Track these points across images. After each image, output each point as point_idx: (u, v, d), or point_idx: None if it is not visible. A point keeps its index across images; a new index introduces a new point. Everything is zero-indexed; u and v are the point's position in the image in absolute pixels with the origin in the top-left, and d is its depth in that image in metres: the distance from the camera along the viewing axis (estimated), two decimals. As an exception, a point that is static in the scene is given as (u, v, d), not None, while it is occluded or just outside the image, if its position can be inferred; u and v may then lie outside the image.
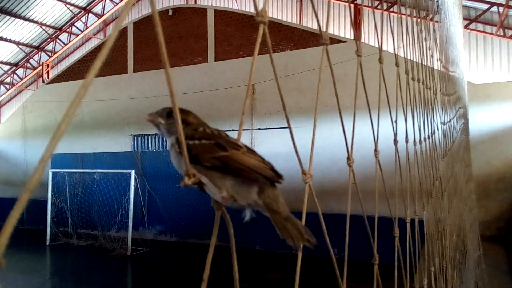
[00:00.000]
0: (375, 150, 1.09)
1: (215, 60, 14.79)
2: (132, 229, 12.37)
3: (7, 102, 25.39)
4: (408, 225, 1.36)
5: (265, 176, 0.72)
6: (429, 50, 2.18)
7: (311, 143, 0.88)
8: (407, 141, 1.44)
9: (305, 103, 12.54)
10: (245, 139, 13.67)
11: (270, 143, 13.03)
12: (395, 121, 1.30)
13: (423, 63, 1.91)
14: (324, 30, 0.80)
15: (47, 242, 13.56)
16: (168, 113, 0.82)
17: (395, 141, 1.25)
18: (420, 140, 1.61)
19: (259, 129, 13.48)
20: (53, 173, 14.20)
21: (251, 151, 0.75)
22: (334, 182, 11.56)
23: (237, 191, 0.70)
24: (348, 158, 0.95)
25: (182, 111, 0.79)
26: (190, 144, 0.73)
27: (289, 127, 0.84)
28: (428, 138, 1.78)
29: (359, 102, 1.27)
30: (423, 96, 1.78)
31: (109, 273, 10.79)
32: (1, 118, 24.70)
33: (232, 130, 14.06)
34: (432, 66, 2.33)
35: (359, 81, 1.04)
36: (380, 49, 1.19)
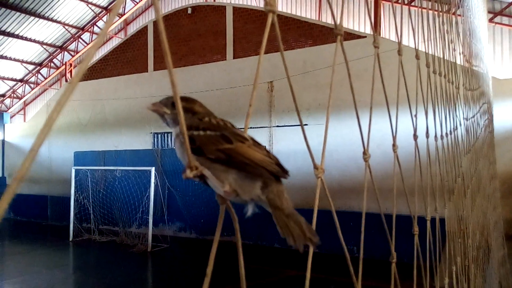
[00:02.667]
0: (394, 145, 1.06)
1: (234, 58, 14.81)
2: (152, 225, 12.54)
3: (32, 101, 26.05)
4: (428, 222, 1.32)
5: (270, 171, 0.70)
6: (451, 43, 2.12)
7: (324, 139, 0.86)
8: (427, 136, 1.39)
9: (323, 99, 12.44)
10: (263, 137, 13.65)
11: (289, 141, 12.98)
12: (415, 115, 1.26)
13: (445, 57, 1.85)
14: (339, 21, 0.78)
15: (70, 238, 13.87)
16: (173, 103, 0.80)
17: (415, 136, 1.21)
18: (441, 135, 1.56)
19: (277, 126, 13.44)
20: (76, 170, 14.51)
21: (257, 144, 0.74)
22: (353, 180, 11.44)
23: (240, 185, 0.69)
24: (364, 153, 0.92)
25: (187, 100, 0.78)
26: (194, 134, 0.71)
27: (300, 123, 0.82)
28: (450, 133, 1.73)
29: (380, 98, 1.25)
30: (445, 90, 1.72)
31: (130, 268, 10.97)
32: (26, 116, 25.37)
33: (251, 127, 14.06)
34: (454, 60, 2.27)
35: (377, 73, 1.02)
36: (399, 41, 1.15)
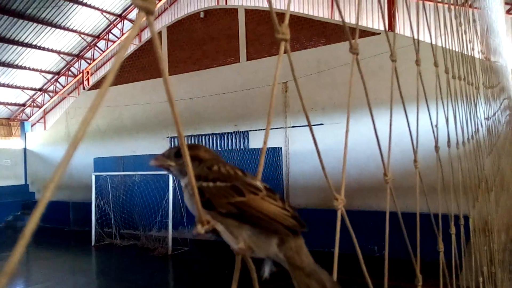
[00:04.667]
0: (415, 161, 1.03)
1: (247, 60, 14.84)
2: (172, 228, 12.66)
3: (51, 109, 26.59)
4: (453, 236, 1.29)
5: (286, 225, 0.65)
6: (470, 43, 2.07)
7: (343, 166, 0.83)
8: (449, 146, 1.35)
9: (339, 98, 12.35)
10: (279, 138, 13.62)
11: (305, 141, 12.93)
12: (436, 126, 1.23)
13: (464, 58, 1.81)
14: (354, 39, 0.77)
15: (92, 243, 14.10)
16: (176, 153, 0.75)
17: (436, 148, 1.18)
18: (463, 141, 1.52)
19: (293, 127, 13.40)
20: (96, 176, 14.75)
21: (271, 193, 0.68)
22: (372, 178, 11.32)
23: (255, 242, 0.64)
24: (385, 174, 0.89)
25: (191, 147, 0.72)
26: (203, 186, 0.66)
27: (309, 124, 0.81)
28: (472, 138, 1.69)
29: (397, 94, 1.23)
30: (465, 93, 1.68)
31: (152, 272, 11.09)
32: (46, 124, 25.91)
33: (263, 129, 14.04)
34: (473, 59, 2.22)
35: (394, 81, 1.00)
36: (417, 50, 1.14)
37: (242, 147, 14.40)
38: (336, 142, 11.77)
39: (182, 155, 0.56)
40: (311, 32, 13.60)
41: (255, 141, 14.20)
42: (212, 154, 0.75)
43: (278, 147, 13.59)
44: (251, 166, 13.57)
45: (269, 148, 13.65)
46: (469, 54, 2.04)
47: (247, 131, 14.33)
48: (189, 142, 16.29)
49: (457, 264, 1.39)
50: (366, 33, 12.24)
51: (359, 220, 10.86)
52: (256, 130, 14.11)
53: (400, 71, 1.15)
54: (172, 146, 15.09)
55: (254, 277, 0.64)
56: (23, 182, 22.24)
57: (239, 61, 15.02)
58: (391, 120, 0.98)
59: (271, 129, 14.21)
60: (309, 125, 0.78)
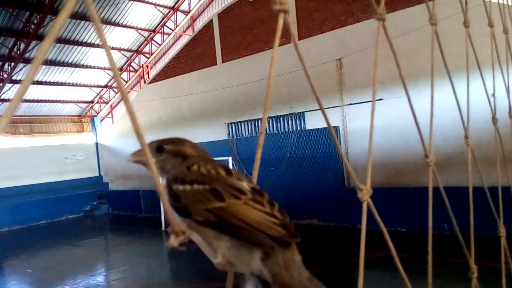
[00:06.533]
0: (466, 137, 0.90)
1: (299, 39, 14.56)
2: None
3: (117, 104, 28.12)
4: None
5: (273, 235, 0.53)
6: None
7: (369, 153, 0.77)
8: (511, 116, 1.16)
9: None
10: (336, 116, 13.31)
11: (363, 118, 12.52)
12: (492, 95, 1.05)
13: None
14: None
15: (163, 228, 14.88)
16: (157, 147, 0.64)
17: (494, 120, 1.01)
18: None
19: (350, 104, 13.03)
20: (161, 165, 15.48)
21: (258, 196, 0.57)
22: (421, 155, 10.72)
23: (236, 255, 0.54)
24: (426, 156, 0.79)
25: (174, 141, 0.64)
26: (179, 190, 0.57)
27: (322, 110, 0.76)
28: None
29: (448, 63, 1.12)
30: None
31: (218, 254, 11.49)
32: (113, 119, 27.50)
33: (319, 109, 13.79)
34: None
35: (436, 47, 0.91)
36: (465, 10, 1.02)
37: (298, 128, 14.28)
38: (398, 116, 11.26)
39: (163, 151, 0.47)
40: (365, 2, 13.01)
41: (311, 122, 14.01)
42: (198, 150, 0.66)
43: (336, 126, 13.31)
44: (308, 147, 13.44)
45: (326, 128, 13.41)
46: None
47: (303, 112, 14.16)
48: (245, 127, 16.49)
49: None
50: (412, 2, 11.49)
51: (427, 197, 10.39)
52: (312, 110, 13.90)
53: (459, 38, 1.04)
54: (230, 131, 15.27)
55: None
56: (97, 174, 23.90)
57: (290, 42, 14.79)
58: (432, 91, 0.89)
59: (327, 108, 13.95)
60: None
